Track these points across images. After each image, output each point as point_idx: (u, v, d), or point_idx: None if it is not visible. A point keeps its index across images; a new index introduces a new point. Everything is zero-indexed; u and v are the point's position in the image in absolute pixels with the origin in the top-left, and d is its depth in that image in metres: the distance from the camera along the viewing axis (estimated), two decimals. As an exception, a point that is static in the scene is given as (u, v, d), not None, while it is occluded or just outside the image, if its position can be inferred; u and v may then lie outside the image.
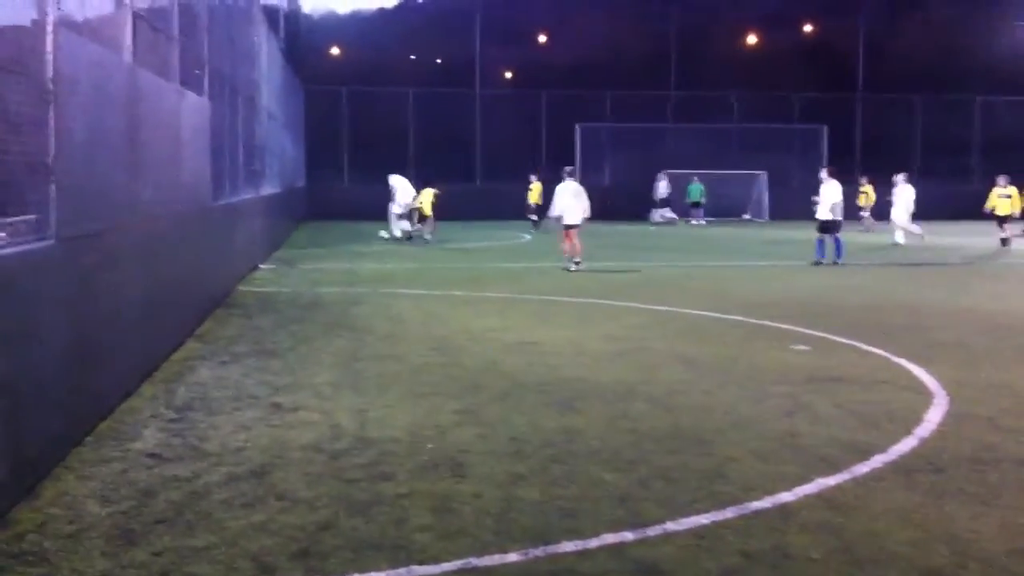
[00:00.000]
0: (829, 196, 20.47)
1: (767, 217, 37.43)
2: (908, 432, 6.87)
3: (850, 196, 25.79)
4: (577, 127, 42.00)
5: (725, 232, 32.59)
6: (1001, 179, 25.99)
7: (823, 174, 21.12)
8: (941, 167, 39.36)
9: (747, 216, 38.38)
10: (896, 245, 25.56)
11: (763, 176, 38.12)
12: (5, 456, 5.11)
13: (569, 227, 19.00)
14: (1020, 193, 26.84)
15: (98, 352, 7.01)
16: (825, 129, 43.43)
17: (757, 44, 58.15)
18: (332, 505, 5.32)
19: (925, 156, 43.67)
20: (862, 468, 6.03)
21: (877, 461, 6.18)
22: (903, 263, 21.33)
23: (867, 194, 33.35)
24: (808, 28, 60.97)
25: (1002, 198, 25.84)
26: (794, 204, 39.26)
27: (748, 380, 8.68)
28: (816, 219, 20.78)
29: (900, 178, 26.58)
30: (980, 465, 6.13)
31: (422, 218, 26.66)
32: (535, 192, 32.38)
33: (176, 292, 10.08)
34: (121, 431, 6.79)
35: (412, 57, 72.24)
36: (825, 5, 56.89)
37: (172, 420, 7.12)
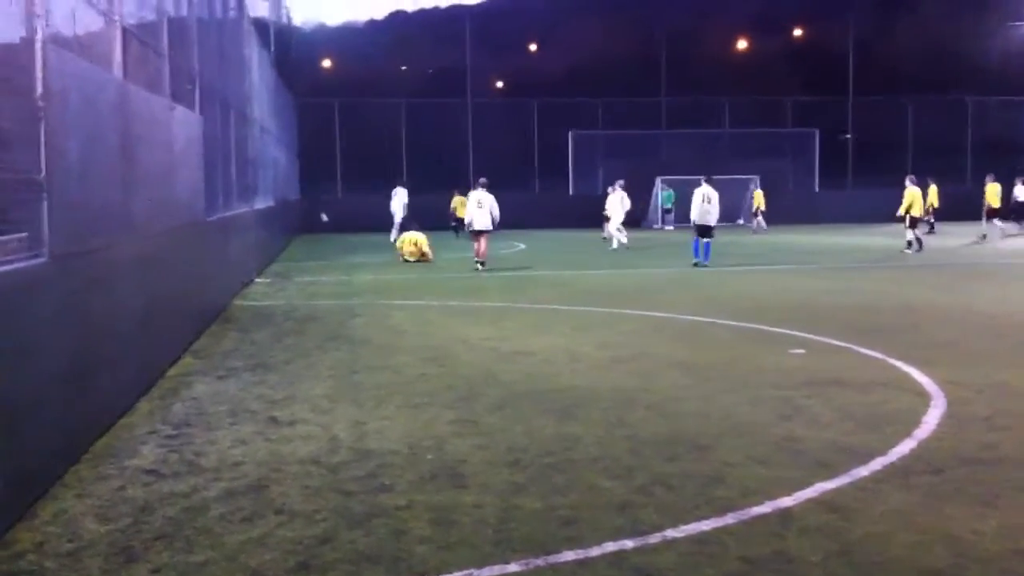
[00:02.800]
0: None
1: (765, 223, 37.39)
2: (907, 434, 6.86)
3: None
4: (570, 134, 42.08)
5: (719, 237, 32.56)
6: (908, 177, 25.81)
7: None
8: (933, 168, 39.40)
9: (741, 221, 38.47)
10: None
11: (755, 181, 38.22)
12: (2, 475, 5.09)
13: (476, 232, 20.86)
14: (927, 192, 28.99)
15: (94, 369, 6.98)
16: (817, 133, 43.54)
17: (747, 49, 58.38)
18: (331, 518, 5.30)
19: (917, 158, 43.75)
20: (861, 471, 6.02)
21: (876, 464, 6.17)
22: (896, 265, 21.36)
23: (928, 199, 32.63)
24: (798, 32, 61.19)
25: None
26: (787, 208, 39.49)
27: (745, 385, 8.67)
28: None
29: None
30: (979, 466, 6.12)
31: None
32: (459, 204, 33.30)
33: (171, 308, 10.07)
34: (118, 448, 6.76)
35: (403, 68, 72.39)
36: (814, 8, 57.15)
37: (169, 436, 7.10)
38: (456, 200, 32.52)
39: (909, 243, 24.49)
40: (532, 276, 19.76)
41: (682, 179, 38.09)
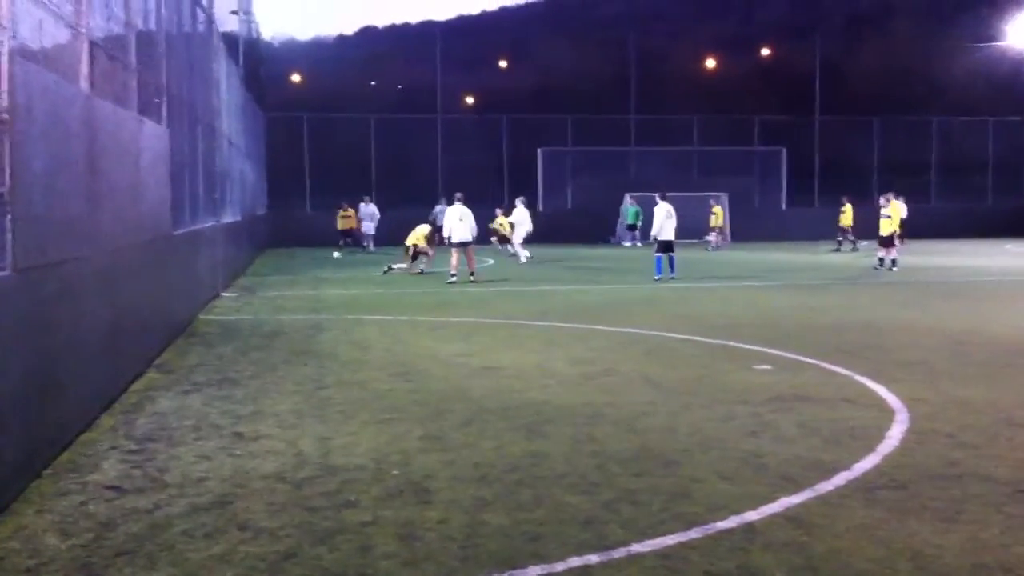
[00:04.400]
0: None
1: (729, 239, 37.67)
2: (871, 450, 6.92)
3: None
4: (540, 151, 42.18)
5: (688, 254, 32.77)
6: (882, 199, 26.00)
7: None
8: (899, 188, 39.87)
9: (709, 238, 38.65)
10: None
11: (724, 198, 38.48)
12: (-40, 491, 5.02)
13: (455, 245, 21.54)
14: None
15: (56, 383, 6.91)
16: (784, 151, 43.91)
17: (716, 68, 58.85)
18: (295, 534, 5.26)
19: (883, 177, 44.24)
20: (826, 486, 6.06)
21: (840, 479, 6.21)
22: (863, 283, 21.55)
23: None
24: (766, 52, 61.81)
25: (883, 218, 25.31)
26: (755, 225, 39.79)
27: (713, 401, 8.71)
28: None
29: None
30: (942, 481, 6.18)
31: (503, 240, 29.73)
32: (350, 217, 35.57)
33: (136, 321, 9.98)
34: (80, 463, 6.69)
35: (373, 83, 72.37)
36: (783, 29, 57.71)
37: (132, 451, 7.03)
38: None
39: (881, 260, 24.70)
40: (502, 291, 19.76)
41: (652, 196, 38.34)
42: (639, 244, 37.61)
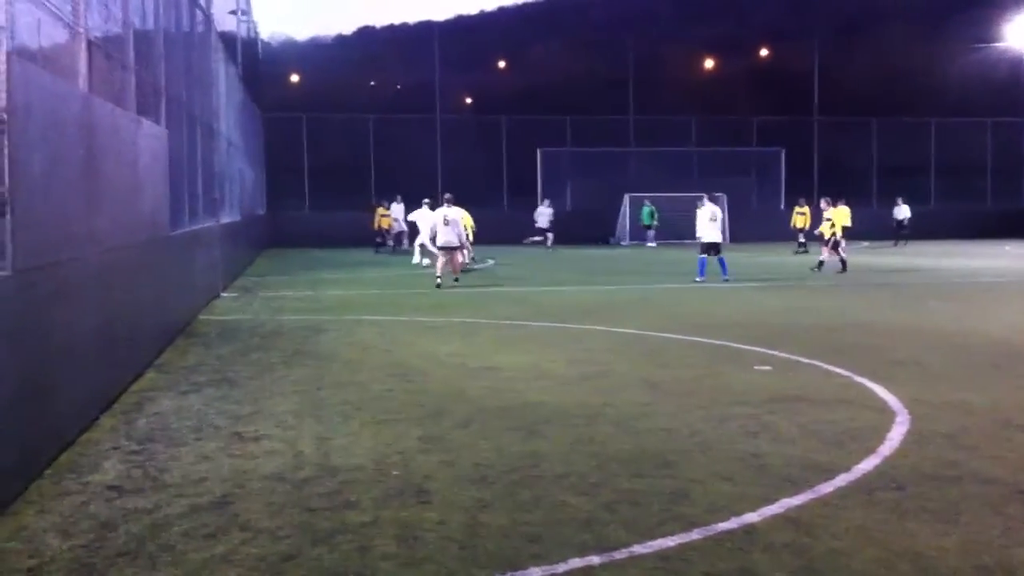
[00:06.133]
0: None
1: (728, 239, 37.65)
2: (870, 451, 6.92)
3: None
4: (539, 152, 42.17)
5: (681, 255, 32.82)
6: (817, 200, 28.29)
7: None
8: (897, 189, 39.96)
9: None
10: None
11: (722, 199, 38.46)
12: (-40, 491, 5.02)
13: (442, 248, 20.61)
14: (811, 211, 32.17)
15: (56, 384, 6.91)
16: (783, 152, 43.92)
17: (714, 69, 58.87)
18: (295, 535, 5.26)
19: (881, 178, 44.28)
20: (825, 487, 6.06)
21: (840, 480, 6.21)
22: (855, 283, 21.56)
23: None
24: (764, 53, 61.83)
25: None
26: (753, 226, 39.79)
27: (712, 401, 8.71)
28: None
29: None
30: (941, 483, 6.18)
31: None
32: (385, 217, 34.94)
33: (135, 322, 9.98)
34: (81, 463, 6.69)
35: (372, 83, 72.37)
36: (780, 29, 57.73)
37: (132, 452, 7.03)
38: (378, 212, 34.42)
39: (821, 263, 24.54)
40: (501, 292, 19.77)
41: (667, 196, 38.31)
42: (654, 244, 37.60)
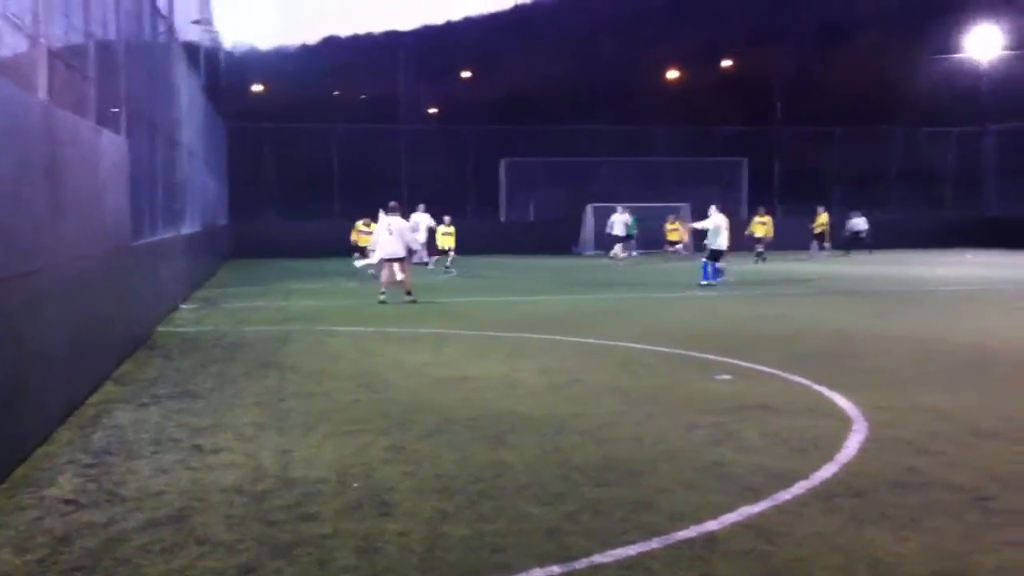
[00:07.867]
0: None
1: (692, 250, 37.80)
2: (829, 458, 6.95)
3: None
4: (502, 162, 42.20)
5: (650, 265, 32.96)
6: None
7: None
8: (861, 198, 40.36)
9: (670, 248, 38.73)
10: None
11: (686, 208, 38.62)
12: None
13: (385, 260, 19.67)
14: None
15: (12, 397, 6.80)
16: (745, 161, 44.22)
17: (681, 79, 59.19)
18: (254, 548, 5.20)
19: (845, 187, 44.64)
20: (785, 495, 6.08)
21: (800, 488, 6.24)
22: (822, 292, 21.72)
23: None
24: (730, 63, 62.27)
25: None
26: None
27: (678, 410, 8.73)
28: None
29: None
30: (900, 489, 6.22)
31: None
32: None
33: (94, 333, 9.86)
34: (36, 477, 6.59)
35: (336, 93, 72.17)
36: (747, 40, 58.11)
37: (89, 465, 6.93)
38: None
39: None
40: (471, 302, 19.72)
41: (643, 206, 38.15)
42: (634, 254, 36.87)
